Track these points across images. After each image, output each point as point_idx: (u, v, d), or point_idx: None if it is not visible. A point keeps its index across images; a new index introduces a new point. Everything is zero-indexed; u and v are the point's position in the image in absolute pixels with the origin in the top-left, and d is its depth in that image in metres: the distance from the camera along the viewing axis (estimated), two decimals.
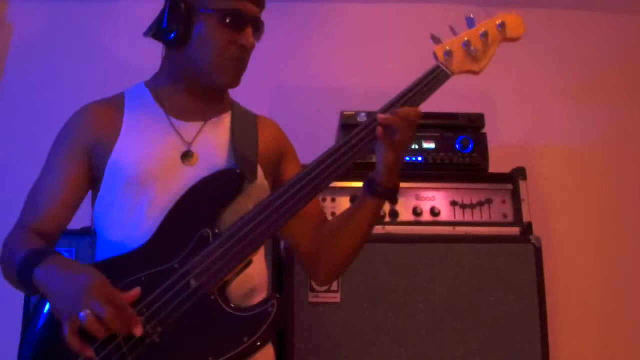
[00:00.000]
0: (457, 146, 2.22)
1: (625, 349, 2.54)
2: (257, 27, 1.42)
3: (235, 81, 1.44)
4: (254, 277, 1.38)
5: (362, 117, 2.21)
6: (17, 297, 1.89)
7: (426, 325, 1.95)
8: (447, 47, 1.39)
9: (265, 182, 1.45)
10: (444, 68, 1.38)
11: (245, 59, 1.42)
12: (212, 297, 1.25)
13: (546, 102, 2.75)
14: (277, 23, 2.65)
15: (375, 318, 1.95)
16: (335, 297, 1.95)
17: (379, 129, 1.29)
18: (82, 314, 1.12)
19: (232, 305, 1.26)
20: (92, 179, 1.41)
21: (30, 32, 2.72)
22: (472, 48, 1.40)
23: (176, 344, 1.22)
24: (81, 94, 2.44)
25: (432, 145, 2.22)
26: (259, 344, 1.23)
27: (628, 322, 2.56)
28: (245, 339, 1.22)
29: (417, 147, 2.22)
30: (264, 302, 1.26)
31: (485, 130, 2.27)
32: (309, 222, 1.47)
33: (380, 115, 1.30)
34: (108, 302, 1.14)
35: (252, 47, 1.40)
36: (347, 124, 2.21)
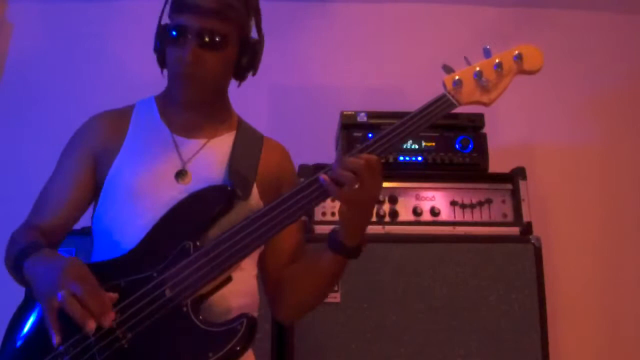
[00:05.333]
0: (457, 146, 2.22)
1: (626, 349, 2.54)
2: (210, 39, 1.36)
3: (191, 95, 1.41)
4: (230, 298, 1.33)
5: (362, 117, 2.21)
6: (17, 298, 1.89)
7: (426, 325, 1.95)
8: (457, 77, 1.37)
9: (261, 203, 1.43)
10: (450, 97, 1.36)
11: (189, 73, 1.38)
12: (185, 310, 1.24)
13: (546, 103, 2.75)
14: (277, 23, 2.65)
15: (375, 318, 1.95)
16: (335, 297, 1.95)
17: (323, 177, 1.24)
18: (60, 293, 1.13)
19: (201, 318, 1.24)
20: (97, 185, 1.44)
21: (30, 32, 2.72)
22: (483, 79, 1.37)
23: (143, 352, 1.21)
24: (81, 94, 2.44)
25: (432, 145, 2.22)
26: None
27: (628, 321, 2.56)
28: (210, 354, 1.20)
29: (417, 147, 2.22)
30: (235, 319, 1.24)
31: (485, 130, 2.27)
32: (282, 255, 1.46)
33: (323, 176, 1.24)
34: (83, 281, 1.16)
35: (191, 61, 1.36)
36: (347, 124, 2.22)
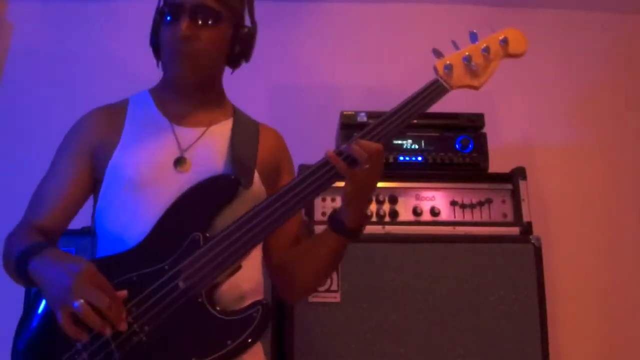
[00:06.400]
0: (457, 146, 2.22)
1: (626, 349, 2.54)
2: (203, 15, 1.40)
3: (186, 73, 1.43)
4: (241, 284, 1.37)
5: (362, 117, 2.21)
6: (17, 299, 1.89)
7: (426, 325, 1.95)
8: (448, 62, 1.39)
9: (263, 189, 1.46)
10: (443, 82, 1.39)
11: (183, 49, 1.40)
12: (200, 300, 1.26)
13: (546, 102, 2.75)
14: (278, 23, 2.65)
15: (375, 318, 1.95)
16: (335, 297, 1.95)
17: (330, 153, 1.28)
18: (76, 303, 1.13)
19: (218, 308, 1.27)
20: (95, 181, 1.44)
21: (30, 32, 2.72)
22: (472, 63, 1.40)
23: (162, 344, 1.23)
24: (81, 94, 2.44)
25: (432, 145, 2.22)
26: (241, 347, 1.24)
27: (628, 322, 2.56)
28: (229, 342, 1.23)
29: (417, 147, 2.22)
30: (250, 307, 1.28)
31: (485, 130, 2.26)
32: (284, 239, 1.48)
33: (331, 153, 1.29)
34: (99, 289, 1.16)
35: (186, 36, 1.39)
36: (347, 124, 2.21)
